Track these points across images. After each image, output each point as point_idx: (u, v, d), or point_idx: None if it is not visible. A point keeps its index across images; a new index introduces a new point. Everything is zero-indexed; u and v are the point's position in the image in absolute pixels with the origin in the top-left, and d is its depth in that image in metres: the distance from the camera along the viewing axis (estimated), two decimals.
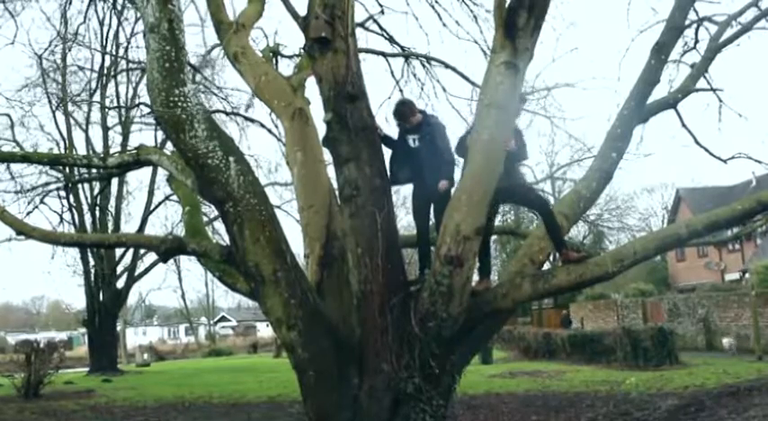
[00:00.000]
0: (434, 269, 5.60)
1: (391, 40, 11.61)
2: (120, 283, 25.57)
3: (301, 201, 7.27)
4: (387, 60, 11.73)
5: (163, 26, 5.14)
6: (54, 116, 24.52)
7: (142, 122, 24.84)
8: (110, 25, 23.40)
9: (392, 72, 11.79)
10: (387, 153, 6.05)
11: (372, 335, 5.58)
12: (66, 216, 24.13)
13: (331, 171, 6.48)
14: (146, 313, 68.33)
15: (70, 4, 16.16)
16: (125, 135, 25.12)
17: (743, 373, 13.10)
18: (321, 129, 6.15)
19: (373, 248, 5.53)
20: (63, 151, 22.20)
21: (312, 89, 7.16)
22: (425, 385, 5.48)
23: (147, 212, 25.56)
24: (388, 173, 6.02)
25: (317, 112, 6.60)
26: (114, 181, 23.07)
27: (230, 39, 7.95)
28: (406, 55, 11.80)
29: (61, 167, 19.81)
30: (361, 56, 6.37)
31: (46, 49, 20.78)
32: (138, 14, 11.20)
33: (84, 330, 33.61)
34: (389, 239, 5.63)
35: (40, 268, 58.66)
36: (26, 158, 10.79)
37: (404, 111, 6.08)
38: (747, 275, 28.95)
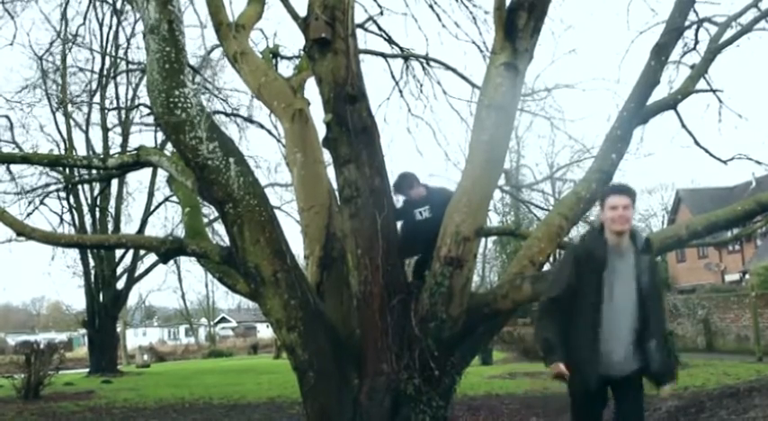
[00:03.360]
0: (434, 270, 5.61)
1: (390, 40, 11.57)
2: (121, 284, 25.52)
3: (301, 202, 7.26)
4: (386, 61, 11.69)
5: (163, 27, 5.13)
6: (54, 117, 24.49)
7: (142, 123, 24.85)
8: (109, 26, 23.44)
9: (392, 73, 11.76)
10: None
11: (372, 336, 5.58)
12: (67, 217, 24.12)
13: (331, 172, 6.48)
14: (146, 314, 68.29)
15: (68, 4, 16.16)
16: (125, 136, 25.08)
17: (743, 374, 13.09)
18: (321, 131, 6.15)
19: (373, 249, 5.53)
20: (63, 152, 22.17)
21: (312, 90, 7.16)
22: (425, 386, 5.48)
23: (148, 213, 25.54)
24: (402, 249, 6.05)
25: (317, 113, 6.61)
26: (114, 182, 23.03)
27: (230, 40, 7.95)
28: (406, 56, 11.75)
29: (61, 168, 19.81)
30: (361, 57, 6.35)
31: (46, 51, 20.93)
32: (138, 15, 11.19)
33: (84, 331, 33.57)
34: (389, 240, 5.63)
35: (40, 269, 58.74)
36: (26, 159, 10.71)
37: (402, 184, 6.17)
38: (747, 276, 28.95)
